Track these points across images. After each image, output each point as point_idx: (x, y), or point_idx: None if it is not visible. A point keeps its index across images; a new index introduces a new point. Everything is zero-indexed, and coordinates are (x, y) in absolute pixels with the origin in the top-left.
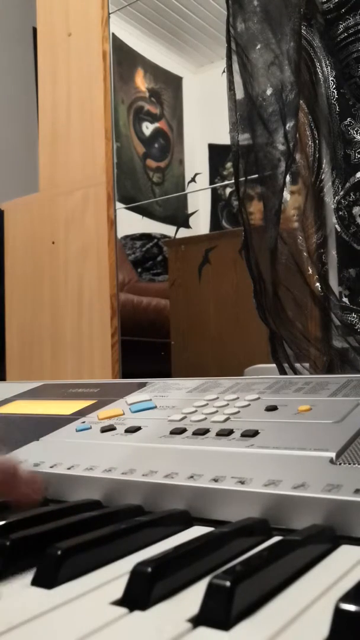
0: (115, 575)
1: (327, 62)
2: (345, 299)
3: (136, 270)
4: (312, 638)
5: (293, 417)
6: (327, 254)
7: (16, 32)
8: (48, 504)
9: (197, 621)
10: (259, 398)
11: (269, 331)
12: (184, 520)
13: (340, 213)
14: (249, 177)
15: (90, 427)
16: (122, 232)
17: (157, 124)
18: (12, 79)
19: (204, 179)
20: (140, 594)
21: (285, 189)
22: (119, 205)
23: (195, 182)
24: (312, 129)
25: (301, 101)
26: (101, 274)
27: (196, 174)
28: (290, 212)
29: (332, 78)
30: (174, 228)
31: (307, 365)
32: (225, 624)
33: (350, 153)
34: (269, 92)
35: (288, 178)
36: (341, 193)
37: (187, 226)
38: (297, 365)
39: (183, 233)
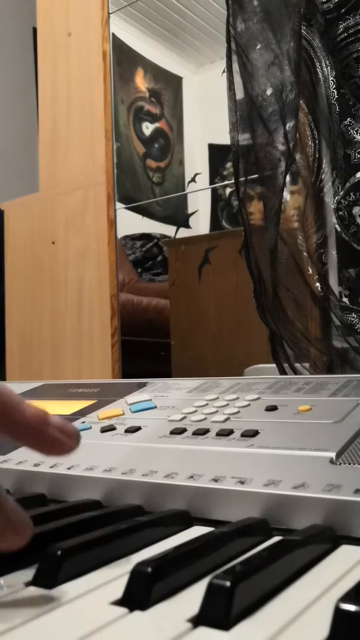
0: (115, 575)
1: (327, 62)
2: (345, 299)
3: (136, 270)
4: (312, 638)
5: (293, 417)
6: (327, 254)
7: (16, 32)
8: (48, 503)
9: (197, 621)
10: (259, 398)
11: (269, 331)
12: (184, 520)
13: (340, 213)
14: (249, 177)
15: (90, 427)
16: (122, 232)
17: (157, 124)
18: (12, 79)
19: (204, 179)
20: (140, 594)
21: (285, 189)
22: (119, 205)
23: (195, 182)
24: (312, 129)
25: (301, 101)
26: (101, 274)
27: (196, 174)
28: (290, 212)
29: (332, 78)
30: (174, 228)
31: (307, 365)
32: (225, 624)
33: (350, 153)
34: (269, 92)
35: (288, 178)
36: (341, 193)
37: (187, 226)
38: (297, 365)
39: (183, 233)
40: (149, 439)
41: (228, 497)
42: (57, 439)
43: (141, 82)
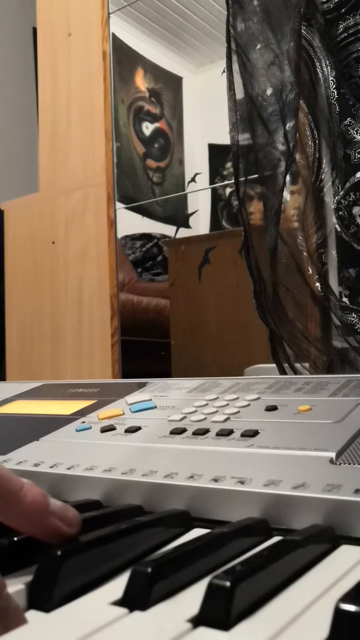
0: (115, 576)
1: (327, 62)
2: (345, 299)
3: (136, 270)
4: (312, 638)
5: (293, 417)
6: (327, 254)
7: (16, 32)
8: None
9: (197, 621)
10: (259, 398)
11: (269, 331)
12: (184, 520)
13: (340, 213)
14: (249, 177)
15: (90, 427)
16: (122, 232)
17: (157, 124)
18: (12, 79)
19: (204, 179)
20: (140, 594)
21: (285, 189)
22: (119, 205)
23: (195, 182)
24: (312, 129)
25: (301, 101)
26: (101, 274)
27: (196, 174)
28: (290, 212)
29: (332, 78)
30: (174, 228)
31: (307, 365)
32: (225, 624)
33: (350, 153)
34: (269, 92)
35: (288, 178)
36: (341, 193)
37: (187, 226)
38: (297, 365)
39: (183, 233)
40: (149, 439)
41: (228, 497)
42: (57, 528)
43: (141, 82)
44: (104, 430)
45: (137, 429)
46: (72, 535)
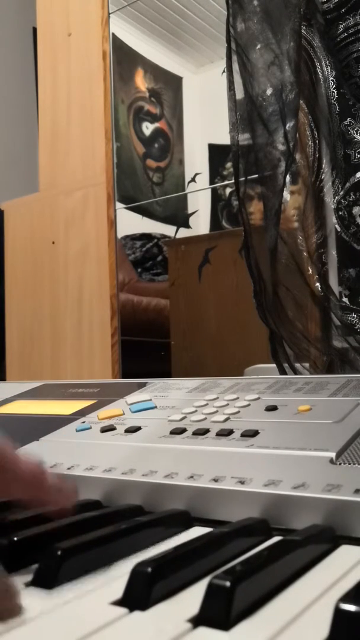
0: (115, 575)
1: (327, 62)
2: (345, 299)
3: (136, 270)
4: (312, 638)
5: (293, 417)
6: (327, 254)
7: (16, 32)
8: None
9: (197, 621)
10: (259, 398)
11: (269, 331)
12: (184, 520)
13: (340, 213)
14: (249, 177)
15: (90, 427)
16: (122, 232)
17: (157, 124)
18: (12, 79)
19: (204, 179)
20: (140, 594)
21: (285, 189)
22: (119, 205)
23: (195, 182)
24: (312, 129)
25: (301, 101)
26: (101, 274)
27: (196, 174)
28: (290, 212)
29: (332, 78)
30: (174, 228)
31: (307, 365)
32: (225, 624)
33: (350, 153)
34: (269, 92)
35: (288, 178)
36: (341, 193)
37: (187, 226)
38: (297, 365)
39: (183, 233)
40: (149, 439)
41: (228, 497)
42: (54, 496)
43: (141, 82)
44: (104, 430)
45: (137, 429)
46: (69, 506)
